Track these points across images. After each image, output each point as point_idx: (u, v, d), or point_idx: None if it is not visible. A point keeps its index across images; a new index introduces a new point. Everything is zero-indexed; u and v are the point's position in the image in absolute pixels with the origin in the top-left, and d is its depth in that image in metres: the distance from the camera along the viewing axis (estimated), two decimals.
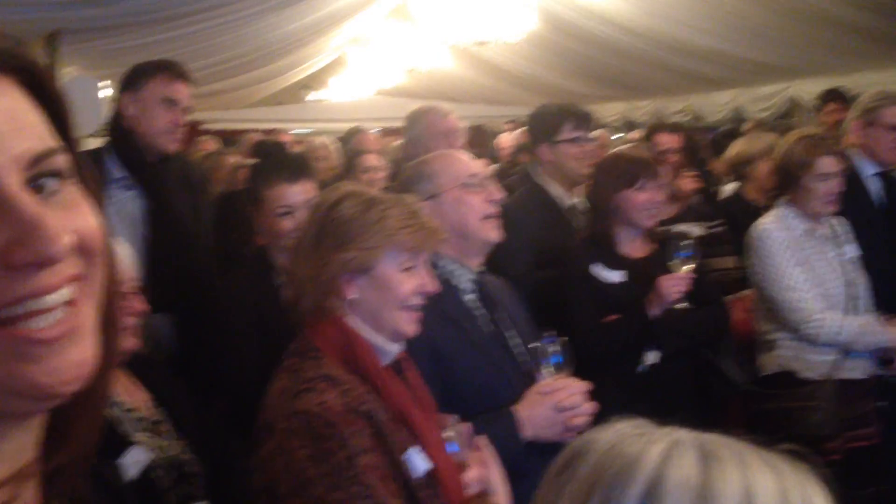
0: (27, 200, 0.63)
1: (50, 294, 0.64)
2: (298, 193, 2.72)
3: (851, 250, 3.56)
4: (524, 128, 5.96)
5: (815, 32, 6.21)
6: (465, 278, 2.47)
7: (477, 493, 1.90)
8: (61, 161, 0.67)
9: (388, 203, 1.88)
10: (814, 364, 3.42)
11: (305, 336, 1.86)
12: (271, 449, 1.69)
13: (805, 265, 3.42)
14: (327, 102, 14.11)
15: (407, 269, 1.87)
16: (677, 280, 3.08)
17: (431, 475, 1.76)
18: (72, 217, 0.67)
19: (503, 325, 2.48)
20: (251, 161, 5.57)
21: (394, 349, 1.91)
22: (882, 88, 4.26)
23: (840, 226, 3.60)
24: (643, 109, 10.31)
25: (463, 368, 2.32)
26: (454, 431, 1.94)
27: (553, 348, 2.35)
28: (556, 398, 2.30)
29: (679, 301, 3.11)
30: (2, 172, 0.63)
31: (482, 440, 2.00)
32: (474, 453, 1.96)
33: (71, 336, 0.65)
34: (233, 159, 5.84)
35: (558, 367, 2.36)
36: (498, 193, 2.51)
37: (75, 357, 0.66)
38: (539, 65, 9.60)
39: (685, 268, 3.11)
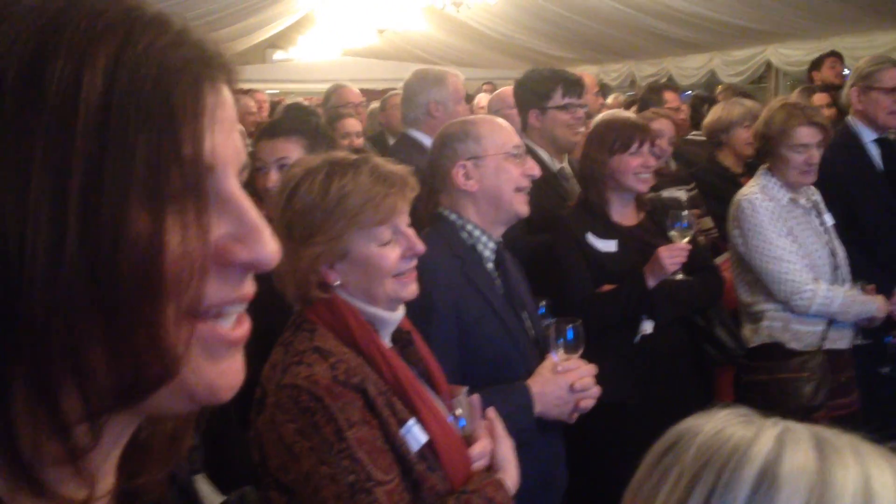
0: (250, 203, 0.63)
1: (248, 301, 0.64)
2: (271, 151, 2.65)
3: (829, 219, 3.55)
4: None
5: None
6: (487, 246, 2.45)
7: (484, 468, 1.86)
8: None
9: (349, 175, 1.76)
10: (802, 335, 3.42)
11: (299, 310, 1.81)
12: (263, 423, 1.67)
13: (792, 235, 3.40)
14: (295, 62, 13.87)
15: (386, 243, 1.79)
16: (678, 251, 3.05)
17: (430, 448, 1.72)
18: None
19: (516, 297, 2.47)
20: None
21: (395, 317, 1.85)
22: (880, 53, 4.25)
23: (817, 195, 3.58)
24: (616, 72, 10.27)
25: (483, 335, 2.30)
26: (464, 404, 1.90)
27: (568, 327, 2.35)
28: (569, 378, 2.31)
29: (678, 272, 3.09)
30: (228, 169, 0.62)
31: (492, 413, 1.97)
32: (484, 426, 1.93)
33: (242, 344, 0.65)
34: None
35: (569, 347, 2.36)
36: (536, 169, 2.50)
37: (240, 365, 0.65)
38: (514, 27, 9.50)
39: (685, 239, 3.10)
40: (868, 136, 3.91)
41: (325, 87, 6.30)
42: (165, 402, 0.61)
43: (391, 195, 1.77)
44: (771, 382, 3.39)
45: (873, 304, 3.43)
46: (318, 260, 1.74)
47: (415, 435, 1.70)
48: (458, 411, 1.88)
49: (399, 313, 1.87)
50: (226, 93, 0.63)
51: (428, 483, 1.68)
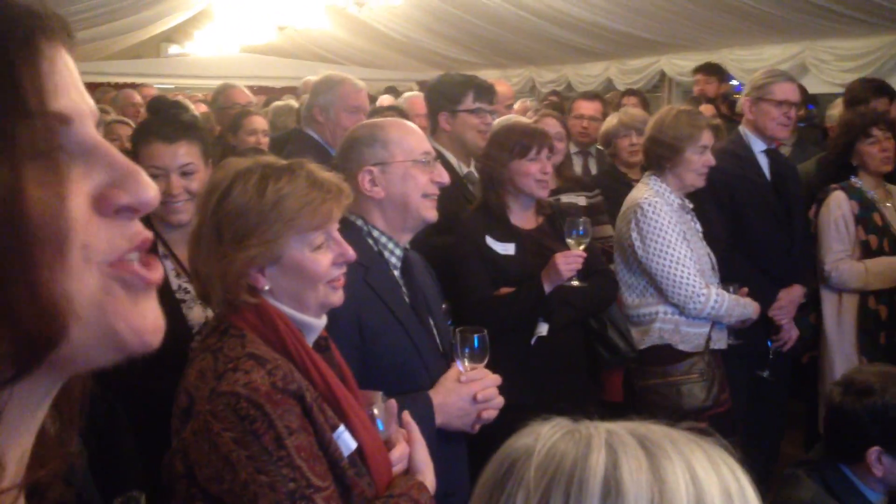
0: (117, 150, 0.64)
1: (147, 246, 0.64)
2: (172, 156, 2.53)
3: (699, 225, 3.68)
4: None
5: (687, 8, 6.38)
6: (394, 253, 2.41)
7: (402, 472, 1.87)
8: None
9: (285, 179, 1.73)
10: (690, 337, 3.52)
11: (223, 315, 1.75)
12: (193, 431, 1.61)
13: (686, 240, 3.50)
14: (191, 57, 13.50)
15: (318, 247, 1.77)
16: (573, 258, 3.10)
17: (358, 454, 1.72)
18: None
19: (422, 304, 2.44)
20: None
21: (320, 324, 1.84)
22: (770, 65, 4.42)
23: (689, 202, 3.70)
24: (518, 77, 10.40)
25: (384, 345, 2.27)
26: (380, 409, 1.89)
27: (473, 336, 2.33)
28: (472, 389, 2.29)
29: (573, 278, 3.14)
30: (86, 121, 0.63)
31: (408, 417, 1.96)
32: (400, 431, 1.93)
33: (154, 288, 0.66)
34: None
35: (475, 356, 2.33)
36: (445, 175, 2.47)
37: (159, 310, 0.66)
38: (417, 29, 9.50)
39: (581, 246, 3.15)
40: (758, 146, 4.05)
41: (220, 83, 6.16)
42: (94, 354, 0.62)
43: (328, 201, 1.76)
44: (665, 385, 3.48)
45: (751, 307, 3.58)
46: (251, 263, 1.70)
47: (345, 441, 1.70)
48: (375, 412, 1.87)
49: (323, 320, 1.85)
50: (65, 53, 0.64)
51: (357, 489, 1.67)
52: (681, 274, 3.44)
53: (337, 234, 1.81)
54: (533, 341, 3.17)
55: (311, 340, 1.81)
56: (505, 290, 3.17)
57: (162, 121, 2.67)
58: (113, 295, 0.62)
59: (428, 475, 1.89)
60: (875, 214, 4.03)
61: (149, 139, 2.57)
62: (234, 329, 1.71)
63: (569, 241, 3.16)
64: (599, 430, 0.83)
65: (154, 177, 2.51)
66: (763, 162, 4.05)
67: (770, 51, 6.61)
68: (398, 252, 2.41)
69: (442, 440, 2.28)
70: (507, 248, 3.22)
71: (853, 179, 4.09)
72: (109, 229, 0.62)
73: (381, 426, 1.87)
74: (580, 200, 4.23)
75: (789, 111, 3.97)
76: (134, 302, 0.63)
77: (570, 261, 3.08)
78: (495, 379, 2.35)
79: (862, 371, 2.52)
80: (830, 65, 6.11)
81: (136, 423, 2.26)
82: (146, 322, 0.64)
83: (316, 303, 1.79)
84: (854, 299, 4.02)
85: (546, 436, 0.84)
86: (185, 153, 2.56)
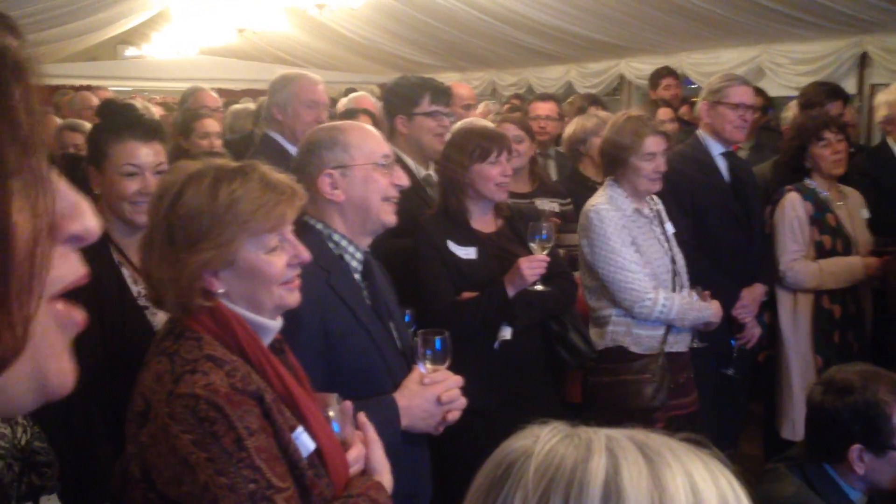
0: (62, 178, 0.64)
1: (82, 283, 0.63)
2: (149, 154, 2.54)
3: (670, 228, 3.72)
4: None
5: (646, 12, 6.45)
6: (355, 257, 2.40)
7: (359, 473, 1.87)
8: None
9: (238, 181, 1.72)
10: (643, 339, 3.56)
11: (177, 319, 1.74)
12: (151, 435, 1.60)
13: (636, 245, 3.53)
14: (149, 60, 13.34)
15: (272, 249, 1.76)
16: (537, 262, 3.12)
17: (317, 455, 1.72)
18: None
19: (383, 307, 2.44)
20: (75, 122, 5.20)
21: (276, 325, 1.83)
22: (727, 69, 4.47)
23: (659, 204, 3.74)
24: (478, 80, 10.43)
25: (349, 349, 2.27)
26: (336, 410, 1.90)
27: (435, 338, 2.33)
28: (436, 391, 2.30)
29: (537, 283, 3.16)
30: (44, 152, 0.62)
31: (363, 418, 1.96)
32: (356, 432, 1.93)
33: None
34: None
35: (437, 358, 2.34)
36: (405, 178, 2.47)
37: (72, 357, 0.64)
38: (378, 32, 9.48)
39: (544, 251, 3.16)
40: (716, 149, 4.10)
41: (179, 85, 6.11)
42: (13, 392, 0.60)
43: (281, 203, 1.75)
44: (614, 384, 3.52)
45: (709, 311, 3.61)
46: (205, 266, 1.69)
47: (304, 442, 1.70)
48: (331, 414, 1.87)
49: (279, 322, 1.84)
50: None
51: (316, 490, 1.68)
52: (626, 279, 3.47)
53: (291, 236, 1.81)
54: (496, 345, 3.17)
55: (266, 342, 1.81)
56: (467, 294, 3.17)
57: (133, 120, 2.66)
58: (50, 331, 0.60)
59: (385, 475, 1.89)
60: (828, 215, 4.10)
61: (122, 137, 2.56)
62: (190, 332, 1.70)
63: (532, 245, 3.17)
64: (599, 435, 0.83)
65: (130, 175, 2.53)
66: (722, 165, 4.10)
67: (727, 55, 6.70)
68: (359, 255, 2.40)
69: (405, 442, 2.29)
70: (468, 253, 3.22)
71: (807, 181, 4.16)
72: (58, 258, 0.61)
73: (336, 428, 1.87)
74: (554, 207, 4.26)
75: (745, 114, 4.03)
76: (64, 343, 0.62)
77: (534, 265, 3.10)
78: (457, 380, 2.36)
79: (842, 370, 2.53)
80: (786, 68, 6.20)
81: (111, 432, 2.23)
82: (70, 366, 0.63)
83: (272, 304, 1.78)
84: (809, 299, 4.09)
85: (545, 438, 0.84)
86: (159, 153, 2.58)
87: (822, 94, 4.85)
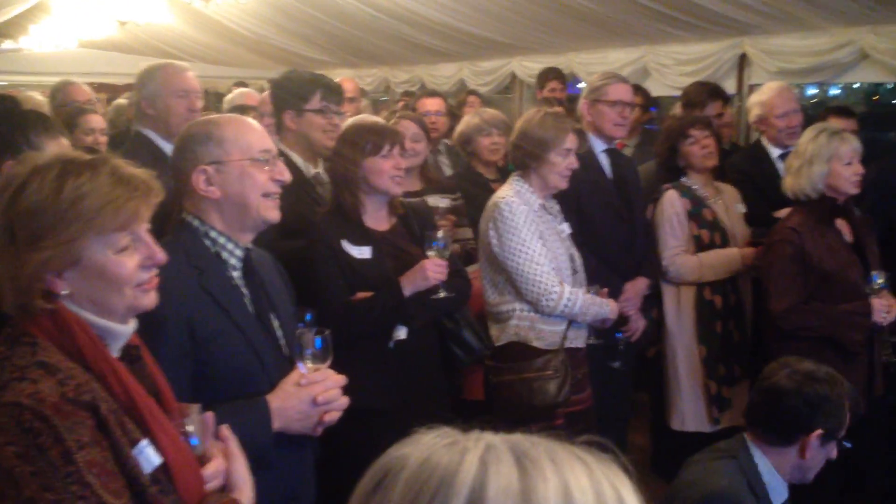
0: None
1: None
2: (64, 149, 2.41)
3: (566, 228, 3.78)
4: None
5: (536, 12, 6.52)
6: (234, 254, 2.32)
7: (217, 488, 1.79)
8: None
9: (85, 176, 1.62)
10: (546, 334, 3.60)
11: (15, 322, 1.63)
12: None
13: (542, 239, 3.57)
14: (26, 53, 12.69)
15: (123, 249, 1.66)
16: (441, 267, 3.13)
17: (164, 470, 1.63)
18: None
19: (266, 306, 2.36)
20: None
21: (127, 330, 1.73)
22: (611, 69, 4.56)
23: (556, 204, 3.80)
24: (371, 77, 10.36)
25: (220, 350, 2.19)
26: (195, 422, 1.81)
27: (315, 337, 2.28)
28: (312, 391, 2.24)
29: (440, 289, 3.17)
30: None
31: (226, 431, 1.88)
32: (217, 445, 1.85)
33: None
34: None
35: (317, 357, 2.28)
36: (286, 173, 2.39)
37: None
38: (267, 26, 9.28)
39: (441, 259, 3.17)
40: (599, 146, 4.19)
41: (59, 80, 5.83)
42: None
43: (134, 199, 1.64)
44: (518, 382, 3.54)
45: (607, 307, 3.69)
46: (46, 266, 1.58)
47: (147, 456, 1.60)
48: (190, 429, 1.79)
49: (131, 326, 1.74)
50: None
51: None
52: (533, 272, 3.50)
53: (146, 235, 1.71)
54: (391, 345, 3.16)
55: (116, 348, 1.72)
56: (362, 294, 3.14)
57: (36, 116, 2.54)
58: None
59: (245, 491, 1.82)
60: (705, 210, 4.26)
61: (31, 131, 2.44)
62: (27, 336, 1.59)
63: (429, 254, 3.17)
64: (479, 444, 0.80)
65: None
66: (604, 161, 4.20)
67: (614, 55, 6.84)
68: (238, 252, 2.33)
69: (285, 444, 2.23)
70: (363, 252, 3.19)
71: (683, 179, 4.31)
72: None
73: (195, 441, 1.79)
74: (443, 202, 4.27)
75: (623, 111, 4.14)
76: None
77: (438, 269, 3.12)
78: (338, 380, 2.30)
79: (802, 361, 2.67)
80: (670, 69, 6.38)
81: None
82: None
83: (122, 307, 1.69)
84: (691, 291, 4.23)
85: (425, 446, 0.81)
86: (68, 146, 2.49)
87: (703, 93, 5.02)
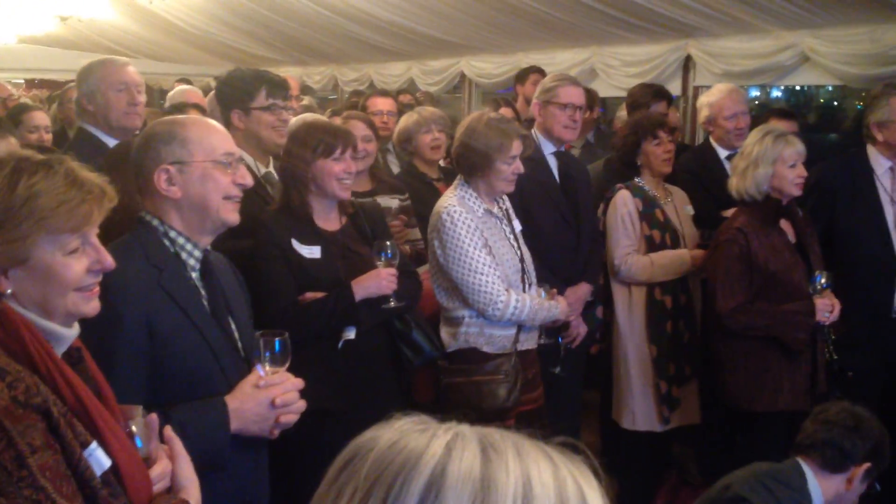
0: None
1: None
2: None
3: (517, 225, 3.78)
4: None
5: (484, 12, 6.54)
6: (192, 255, 2.30)
7: (165, 490, 1.78)
8: None
9: (40, 175, 1.60)
10: (496, 339, 3.59)
11: None
12: None
13: (487, 247, 3.53)
14: None
15: (72, 252, 1.64)
16: (393, 277, 3.13)
17: (113, 472, 1.61)
18: None
19: (224, 308, 2.35)
20: None
21: (71, 333, 1.71)
22: (561, 70, 4.57)
23: (507, 202, 3.79)
24: (320, 75, 10.29)
25: (178, 350, 2.18)
26: (139, 424, 1.79)
27: (274, 339, 2.28)
28: (271, 394, 2.24)
29: (391, 299, 3.16)
30: None
31: (170, 432, 1.87)
32: (163, 447, 1.84)
33: None
34: None
35: (276, 360, 2.28)
36: (248, 177, 2.38)
37: None
38: (213, 23, 9.15)
39: (390, 268, 3.16)
40: (548, 148, 4.21)
41: None
42: None
43: (87, 202, 1.63)
44: (468, 385, 3.54)
45: (557, 308, 3.70)
46: None
47: (98, 459, 1.58)
48: (134, 430, 1.77)
49: (75, 330, 1.72)
50: None
51: None
52: (478, 282, 3.48)
53: (95, 240, 1.70)
54: (340, 345, 3.14)
55: (60, 351, 1.69)
56: (311, 294, 3.11)
57: None
58: None
59: (193, 492, 1.81)
60: (657, 211, 4.30)
61: None
62: None
63: (378, 264, 3.15)
64: (449, 432, 0.81)
65: None
66: (552, 163, 4.21)
67: (562, 55, 6.89)
68: (197, 253, 2.31)
69: (240, 447, 2.22)
70: (312, 252, 3.16)
71: (636, 180, 4.35)
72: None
73: (139, 443, 1.78)
74: (393, 203, 4.25)
75: (574, 114, 4.16)
76: None
77: (391, 279, 3.12)
78: (296, 383, 2.31)
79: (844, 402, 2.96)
80: (617, 70, 6.44)
81: None
82: None
83: (63, 311, 1.67)
84: (642, 291, 4.27)
85: (397, 429, 0.82)
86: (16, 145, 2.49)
87: (647, 94, 5.07)
